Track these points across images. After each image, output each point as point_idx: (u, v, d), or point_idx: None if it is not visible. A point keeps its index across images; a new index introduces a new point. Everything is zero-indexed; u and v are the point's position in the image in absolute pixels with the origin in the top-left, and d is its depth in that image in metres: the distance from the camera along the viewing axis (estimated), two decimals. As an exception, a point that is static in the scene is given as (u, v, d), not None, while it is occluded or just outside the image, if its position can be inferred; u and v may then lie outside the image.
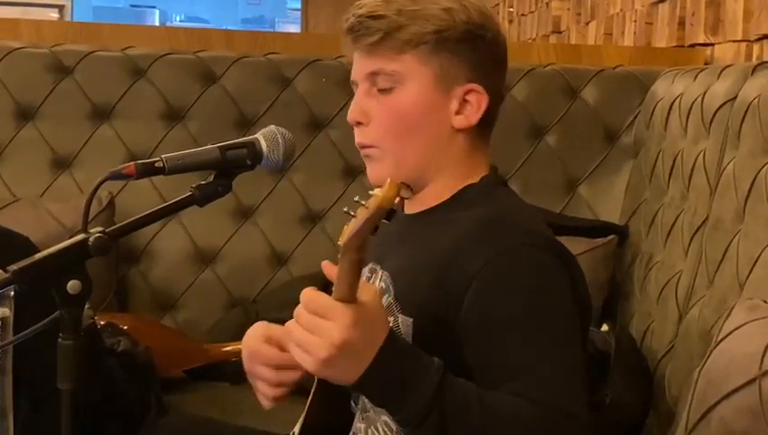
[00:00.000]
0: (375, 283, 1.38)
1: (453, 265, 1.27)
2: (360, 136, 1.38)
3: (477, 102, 1.36)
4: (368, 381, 1.15)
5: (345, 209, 1.12)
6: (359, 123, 1.37)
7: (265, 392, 1.41)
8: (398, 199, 1.07)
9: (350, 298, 1.14)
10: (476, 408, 1.16)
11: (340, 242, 1.11)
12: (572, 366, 1.23)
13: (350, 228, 1.10)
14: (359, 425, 1.39)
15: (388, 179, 1.08)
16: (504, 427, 1.17)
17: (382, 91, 1.35)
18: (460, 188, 1.37)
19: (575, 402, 1.20)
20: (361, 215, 1.08)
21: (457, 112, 1.36)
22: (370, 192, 1.08)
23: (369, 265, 1.40)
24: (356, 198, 1.11)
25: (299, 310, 1.17)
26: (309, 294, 1.17)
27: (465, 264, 1.26)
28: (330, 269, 1.16)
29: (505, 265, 1.25)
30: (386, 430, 1.33)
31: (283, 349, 1.39)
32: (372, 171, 1.39)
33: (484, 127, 1.39)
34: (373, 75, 1.36)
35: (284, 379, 1.40)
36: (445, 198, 1.37)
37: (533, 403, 1.17)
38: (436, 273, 1.28)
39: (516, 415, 1.17)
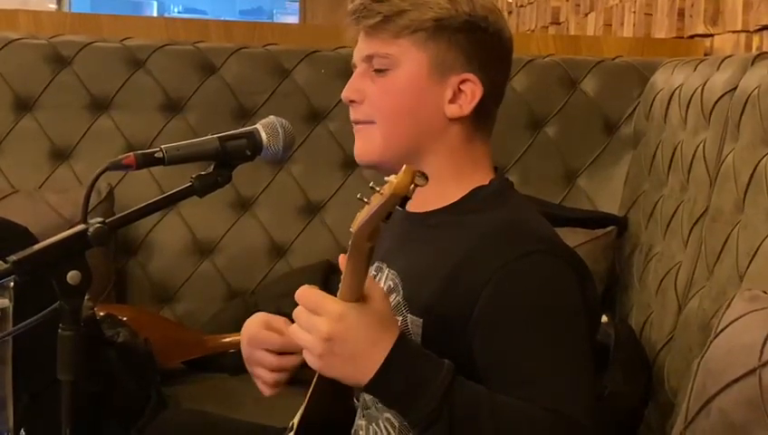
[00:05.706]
0: (382, 281, 1.37)
1: (466, 269, 1.26)
2: (354, 113, 1.39)
3: (471, 93, 1.36)
4: (378, 384, 1.15)
5: (359, 196, 1.09)
6: (352, 101, 1.38)
7: (265, 379, 1.42)
8: (413, 187, 1.03)
9: (357, 287, 1.13)
10: (486, 411, 1.15)
11: (352, 229, 1.10)
12: (581, 374, 1.23)
13: (362, 214, 1.08)
14: (360, 422, 1.38)
15: (404, 166, 1.05)
16: (513, 432, 1.16)
17: (378, 71, 1.36)
18: (468, 189, 1.36)
19: (582, 411, 1.19)
20: (375, 201, 1.06)
21: (451, 101, 1.36)
22: (386, 178, 1.05)
23: (376, 264, 1.39)
24: (371, 184, 1.07)
25: (297, 309, 1.17)
26: (302, 290, 1.17)
27: (478, 267, 1.25)
28: (344, 261, 1.15)
29: (519, 270, 1.24)
30: (387, 427, 1.33)
31: (283, 334, 1.39)
32: (359, 146, 1.39)
33: (480, 121, 1.38)
34: (370, 58, 1.37)
35: (285, 363, 1.41)
36: (452, 199, 1.36)
37: (542, 410, 1.17)
38: (449, 275, 1.27)
39: (525, 420, 1.16)
